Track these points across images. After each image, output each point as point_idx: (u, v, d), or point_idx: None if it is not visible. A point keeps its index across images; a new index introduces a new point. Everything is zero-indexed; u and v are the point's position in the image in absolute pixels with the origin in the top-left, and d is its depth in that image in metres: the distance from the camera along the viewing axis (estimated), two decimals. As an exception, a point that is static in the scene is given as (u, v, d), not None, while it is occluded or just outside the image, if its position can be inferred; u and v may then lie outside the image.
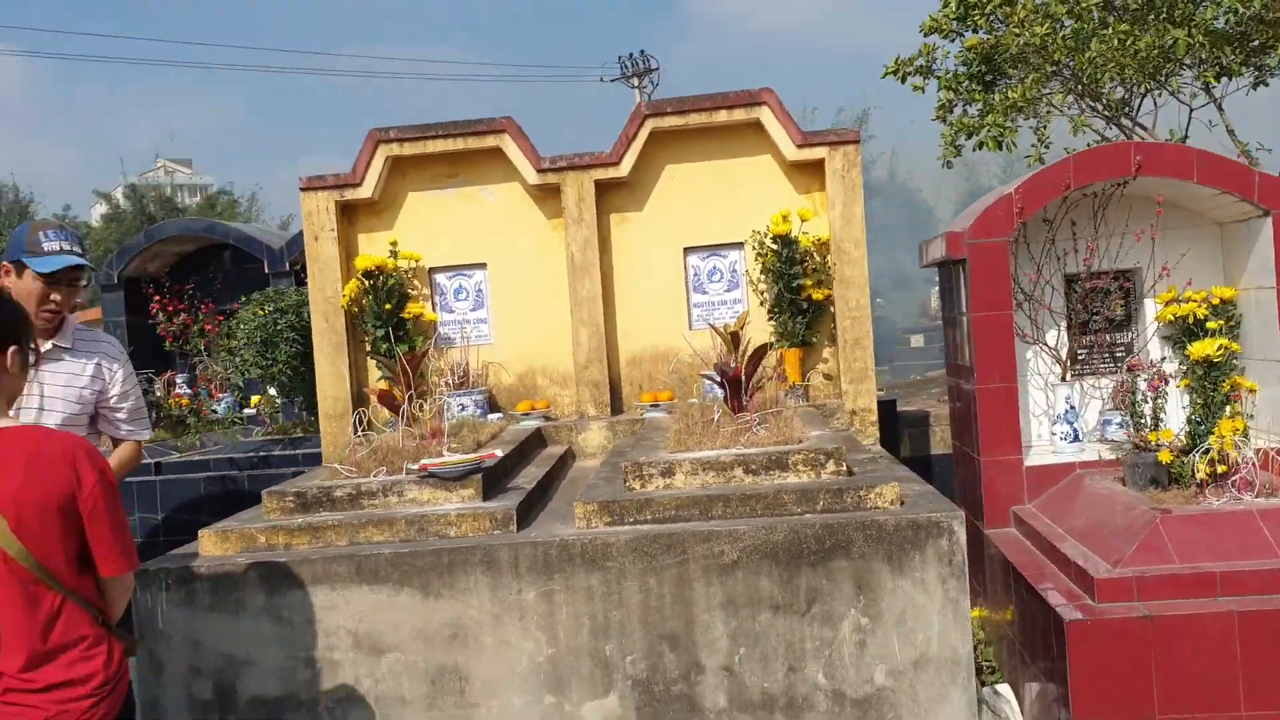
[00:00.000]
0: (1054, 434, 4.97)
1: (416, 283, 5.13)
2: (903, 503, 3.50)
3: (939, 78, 11.78)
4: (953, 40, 11.02)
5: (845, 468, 3.62)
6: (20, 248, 3.35)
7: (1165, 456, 4.15)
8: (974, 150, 11.89)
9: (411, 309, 5.01)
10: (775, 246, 4.84)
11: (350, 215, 5.13)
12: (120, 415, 3.37)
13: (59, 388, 3.25)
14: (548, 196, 5.06)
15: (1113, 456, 4.56)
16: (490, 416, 4.91)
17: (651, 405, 4.86)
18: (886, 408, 6.17)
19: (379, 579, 3.40)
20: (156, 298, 7.43)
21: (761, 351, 4.10)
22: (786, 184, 5.03)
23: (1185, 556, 3.69)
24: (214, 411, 6.84)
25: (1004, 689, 4.42)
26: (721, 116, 4.90)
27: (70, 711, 2.32)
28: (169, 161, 48.85)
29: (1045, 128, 10.01)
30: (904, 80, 11.76)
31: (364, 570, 3.40)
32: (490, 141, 4.96)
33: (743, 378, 4.06)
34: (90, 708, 2.34)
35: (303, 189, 5.02)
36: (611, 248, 5.08)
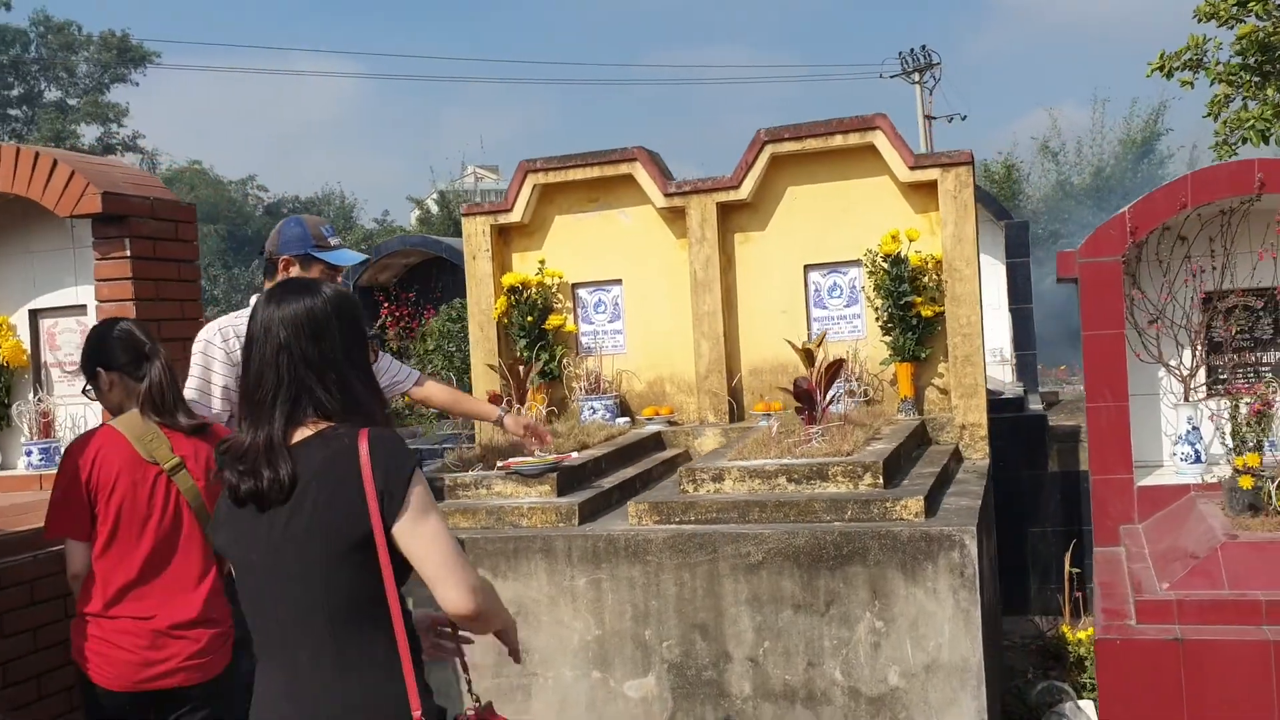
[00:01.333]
0: (1175, 454, 4.91)
1: (560, 297, 5.67)
2: (928, 516, 3.69)
3: (1208, 70, 11.21)
4: (1231, 27, 10.47)
5: (881, 480, 3.84)
6: (307, 242, 3.60)
7: (1246, 482, 4.09)
8: (1240, 144, 11.24)
9: (553, 320, 5.56)
10: (886, 265, 5.03)
11: (505, 237, 5.74)
12: None
13: None
14: (676, 218, 5.46)
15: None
16: (619, 420, 5.38)
17: (765, 415, 5.17)
18: (1033, 423, 6.18)
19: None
20: (385, 304, 8.38)
21: (836, 366, 4.35)
22: (904, 203, 5.20)
23: (1237, 583, 3.67)
24: (408, 409, 7.70)
25: (1086, 705, 4.47)
26: (837, 141, 5.14)
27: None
28: (478, 168, 52.34)
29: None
30: (1169, 76, 11.27)
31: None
32: (624, 169, 5.42)
33: (816, 392, 4.33)
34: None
35: (463, 215, 5.68)
36: (735, 265, 5.42)
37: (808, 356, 4.38)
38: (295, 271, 3.60)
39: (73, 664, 3.40)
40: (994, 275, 8.60)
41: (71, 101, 45.73)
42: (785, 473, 3.93)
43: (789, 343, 4.66)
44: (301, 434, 2.18)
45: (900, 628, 3.57)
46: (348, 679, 2.12)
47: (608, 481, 4.40)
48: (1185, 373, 4.89)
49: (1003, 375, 8.47)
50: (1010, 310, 8.41)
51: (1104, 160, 27.40)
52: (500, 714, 2.35)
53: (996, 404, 6.42)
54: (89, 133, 45.47)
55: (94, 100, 45.43)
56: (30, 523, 4.25)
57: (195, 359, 3.67)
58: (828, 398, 4.35)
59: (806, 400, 4.33)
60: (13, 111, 45.37)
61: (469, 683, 2.40)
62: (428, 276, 8.35)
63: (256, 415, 2.19)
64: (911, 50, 32.44)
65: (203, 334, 3.71)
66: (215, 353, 3.64)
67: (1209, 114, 11.46)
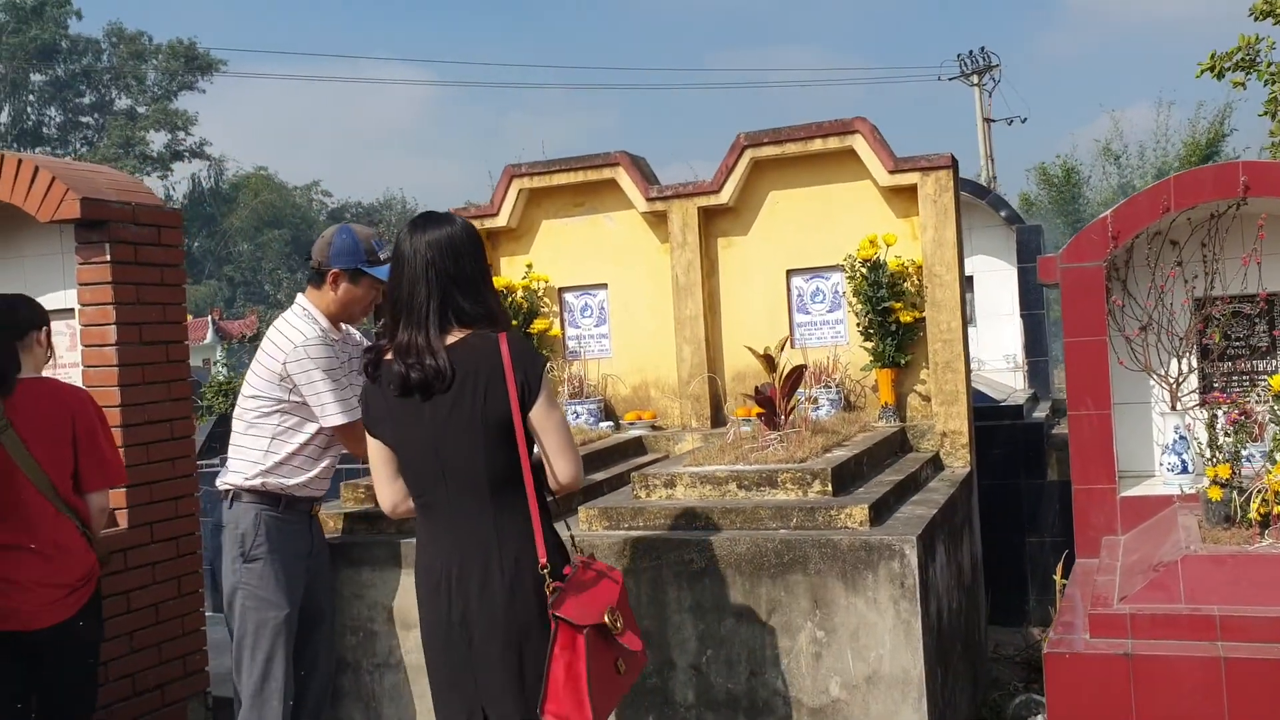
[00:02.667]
0: (1161, 464, 4.79)
1: (547, 301, 5.68)
2: (874, 524, 3.63)
3: (1260, 71, 10.96)
4: (1290, 25, 10.25)
5: (830, 487, 3.79)
6: (358, 256, 3.65)
7: (1215, 494, 3.97)
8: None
9: (539, 324, 5.57)
10: (864, 270, 4.97)
11: (493, 241, 5.75)
12: None
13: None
14: (660, 223, 5.45)
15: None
16: (602, 425, 5.38)
17: (744, 420, 5.13)
18: (1030, 431, 6.06)
19: (410, 564, 3.96)
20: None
21: (796, 373, 4.30)
22: (885, 208, 5.14)
23: (1194, 598, 3.57)
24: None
25: (1046, 720, 4.37)
26: (817, 145, 5.09)
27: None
28: (536, 173, 52.73)
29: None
30: (1220, 77, 11.04)
31: (398, 556, 3.98)
32: (606, 174, 5.42)
33: (776, 398, 4.29)
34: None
35: (450, 218, 5.71)
36: (719, 270, 5.39)
37: (768, 362, 4.34)
38: (344, 285, 3.68)
39: None
40: (1007, 281, 8.47)
41: (141, 109, 46.84)
42: (736, 479, 3.89)
43: (749, 349, 4.62)
44: (451, 338, 2.75)
45: (841, 638, 3.52)
46: (501, 526, 2.74)
47: (570, 486, 4.39)
48: (1173, 381, 4.77)
49: (1014, 382, 8.32)
50: (1022, 316, 8.26)
51: (1168, 163, 26.87)
52: (601, 562, 2.94)
53: (993, 411, 6.32)
54: (158, 140, 46.56)
55: (162, 108, 46.51)
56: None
57: (311, 373, 3.61)
58: (789, 403, 4.30)
59: (768, 406, 4.28)
60: (84, 119, 46.59)
61: (573, 539, 3.03)
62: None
63: (411, 320, 2.74)
64: (970, 52, 32.06)
65: (298, 348, 3.63)
66: (320, 352, 3.63)
67: (1264, 113, 11.19)
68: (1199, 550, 3.70)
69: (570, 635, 2.69)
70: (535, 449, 2.84)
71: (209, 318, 26.72)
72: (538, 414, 2.75)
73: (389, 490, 2.95)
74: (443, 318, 2.74)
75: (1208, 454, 4.29)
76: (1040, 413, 6.84)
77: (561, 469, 2.79)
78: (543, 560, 2.73)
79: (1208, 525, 4.04)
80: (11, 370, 3.61)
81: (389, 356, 2.79)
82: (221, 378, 10.39)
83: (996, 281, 8.63)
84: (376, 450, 2.92)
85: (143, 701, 4.68)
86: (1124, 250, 4.73)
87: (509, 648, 2.74)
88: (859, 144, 5.01)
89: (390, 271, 2.83)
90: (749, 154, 5.18)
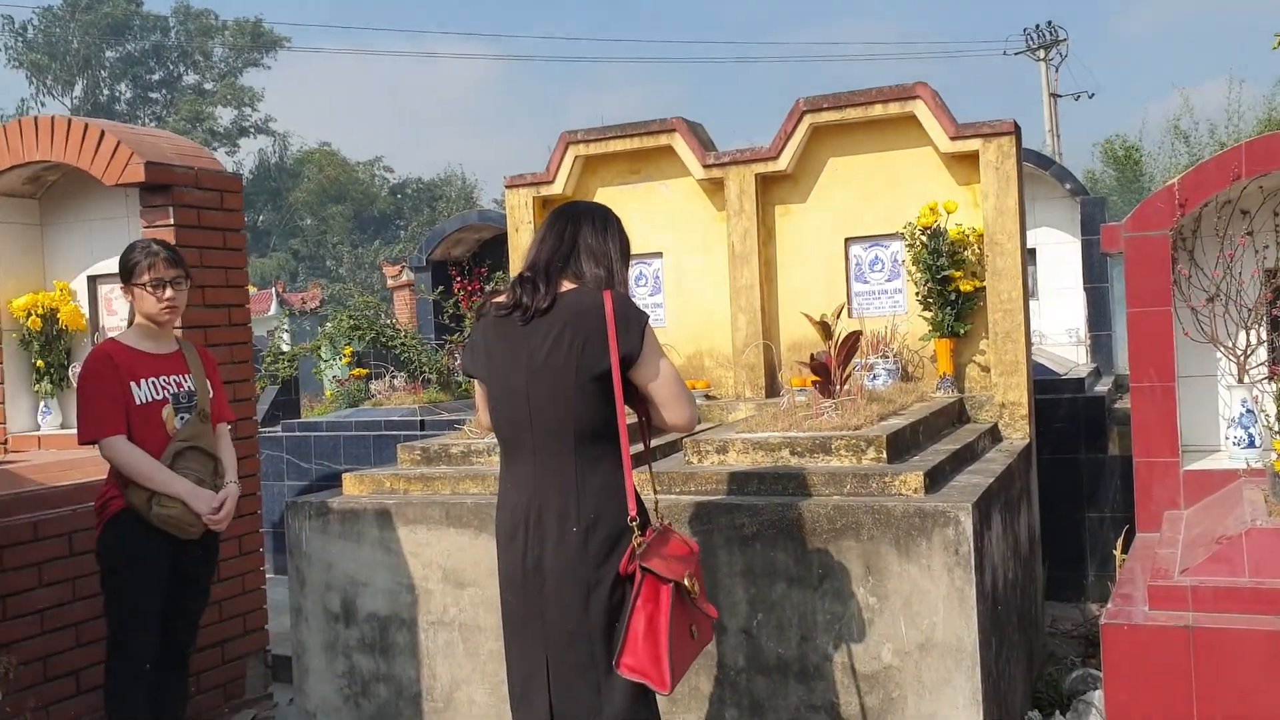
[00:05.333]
0: (1227, 438, 4.69)
1: (603, 269, 5.67)
2: (929, 491, 3.59)
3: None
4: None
5: (885, 455, 3.75)
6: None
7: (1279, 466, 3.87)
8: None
9: (594, 293, 5.56)
10: (924, 238, 4.91)
11: (548, 209, 5.74)
12: None
13: None
14: (716, 190, 5.42)
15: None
16: (656, 393, 5.37)
17: (799, 389, 5.09)
18: (1092, 404, 5.97)
19: (462, 524, 4.00)
20: (458, 278, 8.51)
21: (852, 339, 4.26)
22: (947, 175, 5.06)
23: (1258, 571, 3.50)
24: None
25: (1098, 696, 4.32)
26: (877, 110, 5.03)
27: None
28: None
29: None
30: (1299, 50, 10.76)
31: (451, 516, 4.02)
32: (663, 140, 5.39)
33: (832, 366, 4.25)
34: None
35: (507, 186, 5.72)
36: (775, 238, 5.35)
37: (824, 330, 4.31)
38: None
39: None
40: (1071, 254, 8.31)
41: (208, 86, 47.51)
42: (789, 445, 3.87)
43: (805, 315, 4.58)
44: (565, 287, 2.85)
45: (894, 605, 3.49)
46: (583, 478, 2.79)
47: (623, 451, 4.39)
48: (1241, 353, 4.65)
49: (1077, 356, 8.18)
50: (1086, 289, 8.11)
51: (1239, 142, 26.19)
52: (677, 532, 2.96)
53: (1054, 384, 6.22)
54: (225, 116, 47.21)
55: (229, 84, 47.14)
56: (72, 478, 4.46)
57: None
58: (844, 371, 4.27)
59: (823, 374, 4.25)
60: (153, 95, 47.35)
61: (656, 503, 3.16)
62: (499, 251, 8.46)
63: (538, 262, 2.88)
64: (1037, 26, 31.46)
65: None
66: None
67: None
68: (1264, 524, 3.62)
69: (655, 588, 2.73)
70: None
71: (273, 290, 27.08)
72: (644, 368, 2.82)
73: (486, 420, 3.08)
74: (562, 269, 2.88)
75: (1276, 427, 4.19)
76: (1102, 387, 6.72)
77: (674, 415, 2.88)
78: (632, 513, 2.78)
79: (1274, 499, 3.94)
80: None
81: (501, 298, 2.94)
82: (285, 346, 10.60)
83: (1060, 254, 8.47)
84: (478, 385, 3.08)
85: (202, 658, 4.78)
86: (1191, 219, 4.62)
87: (578, 597, 2.78)
88: (920, 109, 4.93)
89: (534, 237, 3.01)
90: (808, 120, 5.13)
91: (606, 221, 2.97)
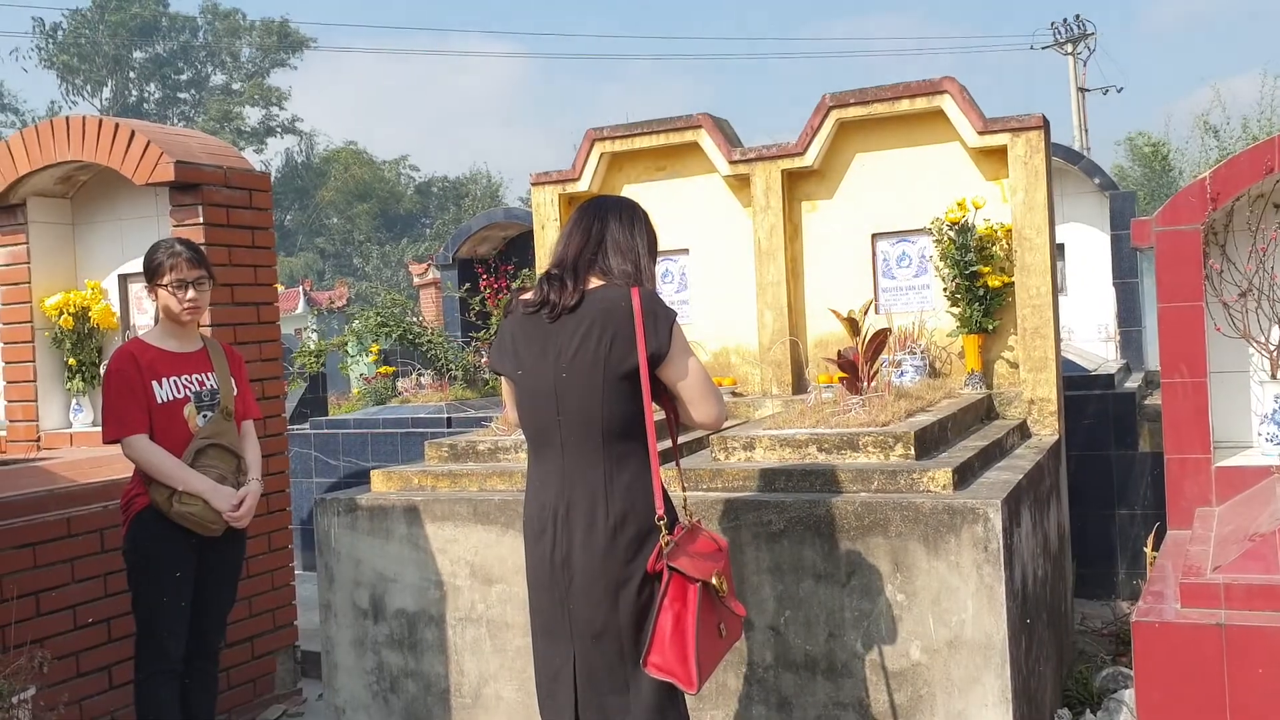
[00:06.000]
0: (1260, 434, 4.64)
1: (629, 266, 5.67)
2: (957, 488, 3.58)
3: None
4: None
5: (913, 451, 3.74)
6: None
7: (1318, 463, 3.83)
8: None
9: (620, 290, 5.56)
10: (952, 234, 4.88)
11: (574, 205, 5.76)
12: None
13: None
14: (742, 186, 5.41)
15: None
16: (683, 390, 5.36)
17: (826, 386, 5.08)
18: (1122, 400, 5.92)
19: (489, 521, 4.01)
20: (484, 276, 8.53)
21: (880, 336, 4.25)
22: (975, 170, 5.04)
23: (1294, 569, 3.45)
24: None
25: (1129, 695, 4.28)
26: (904, 105, 5.00)
27: None
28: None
29: None
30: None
31: (479, 512, 4.03)
32: (689, 136, 5.39)
33: (859, 362, 4.24)
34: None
35: (533, 184, 5.73)
36: (801, 234, 5.34)
37: (852, 326, 4.29)
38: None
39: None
40: (1100, 249, 8.24)
41: (236, 86, 47.81)
42: (816, 442, 3.86)
43: (833, 311, 4.57)
44: (592, 284, 2.85)
45: (922, 602, 3.47)
46: (611, 475, 2.79)
47: (650, 448, 4.39)
48: (1273, 348, 4.61)
49: (1106, 352, 8.11)
50: (1115, 285, 8.04)
51: (1272, 135, 25.88)
52: (706, 529, 2.98)
53: (1083, 380, 6.18)
54: (252, 115, 47.50)
55: (257, 84, 47.41)
56: (103, 475, 4.50)
57: None
58: (873, 368, 4.25)
59: (851, 370, 4.24)
60: (182, 95, 47.69)
61: (684, 500, 3.13)
62: (525, 248, 8.47)
63: (566, 258, 2.88)
64: (1064, 19, 31.22)
65: None
66: None
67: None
68: (1299, 521, 3.58)
69: (682, 587, 2.73)
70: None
71: (300, 288, 27.24)
72: (672, 366, 2.82)
73: (514, 416, 3.10)
74: (590, 266, 2.88)
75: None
76: (1132, 383, 6.67)
77: (702, 413, 2.88)
78: (659, 511, 2.78)
79: (1311, 496, 3.91)
80: None
81: (528, 295, 2.95)
82: (312, 344, 10.69)
83: (1089, 250, 8.41)
84: (506, 382, 3.10)
85: (232, 654, 4.82)
86: (1223, 213, 4.57)
87: (606, 594, 2.78)
88: (947, 104, 4.91)
89: (560, 234, 3.01)
90: (834, 115, 5.11)
91: (634, 216, 2.97)
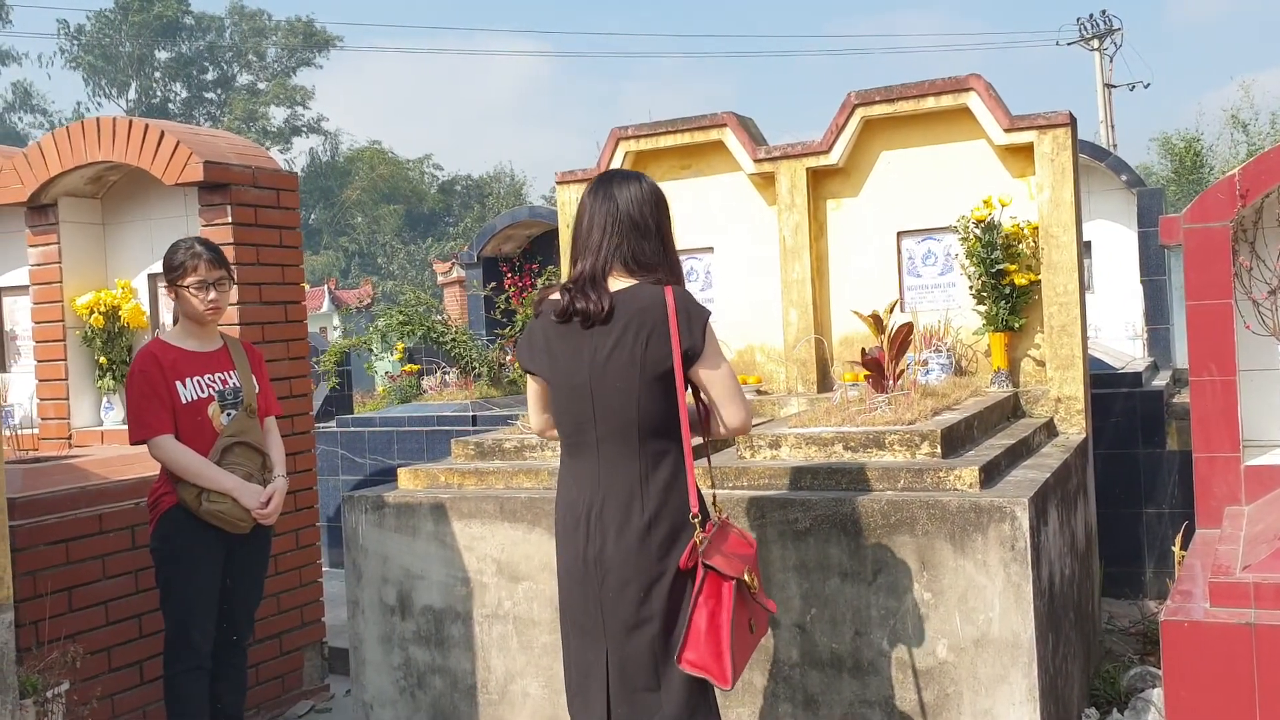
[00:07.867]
0: (1289, 434, 4.61)
1: (654, 265, 5.68)
2: (984, 486, 3.57)
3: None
4: None
5: (940, 449, 3.73)
6: None
7: (1349, 461, 3.80)
8: None
9: (645, 288, 5.58)
10: (978, 232, 4.87)
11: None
12: None
13: None
14: (767, 184, 5.41)
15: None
16: (708, 388, 5.37)
17: (851, 385, 5.07)
18: (1149, 399, 5.89)
19: (516, 518, 4.03)
20: (509, 274, 8.56)
21: (905, 332, 4.24)
22: (1001, 168, 5.02)
23: (1326, 568, 3.42)
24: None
25: (1157, 694, 4.27)
26: (930, 103, 4.99)
27: None
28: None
29: None
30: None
31: (506, 510, 4.05)
32: (714, 135, 5.39)
33: (884, 360, 4.24)
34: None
35: (558, 182, 5.74)
36: (827, 232, 5.34)
37: (877, 324, 4.29)
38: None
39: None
40: (1127, 246, 8.18)
41: (261, 85, 48.08)
42: (841, 440, 3.86)
43: (855, 312, 4.56)
44: (621, 284, 2.83)
45: (949, 600, 3.47)
46: (646, 474, 2.80)
47: (675, 446, 4.40)
48: (1302, 346, 4.57)
49: (1134, 350, 8.06)
50: (1143, 283, 7.99)
51: (1301, 131, 25.66)
52: (736, 526, 2.98)
53: (1109, 378, 6.14)
54: (278, 115, 47.76)
55: (282, 84, 47.66)
56: (134, 472, 4.54)
57: None
58: (898, 366, 4.25)
59: (875, 369, 4.23)
60: (208, 95, 47.99)
61: (714, 497, 3.19)
62: (550, 246, 8.51)
63: (586, 256, 2.86)
64: (1090, 15, 31.01)
65: None
66: None
67: None
68: (1330, 519, 3.56)
69: (717, 584, 2.76)
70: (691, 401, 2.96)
71: (325, 287, 27.38)
72: (704, 367, 2.82)
73: (538, 420, 3.12)
74: (616, 260, 2.84)
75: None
76: (1160, 381, 6.62)
77: (730, 415, 2.87)
78: (694, 509, 2.80)
79: (1343, 495, 3.88)
80: None
81: (555, 295, 2.93)
82: (335, 343, 10.81)
83: (1116, 247, 8.35)
84: (532, 383, 3.07)
85: (260, 650, 4.86)
86: (1252, 210, 4.54)
87: (640, 591, 2.80)
88: (973, 101, 4.89)
89: (575, 219, 2.96)
90: (860, 113, 5.10)
91: (643, 194, 2.91)
